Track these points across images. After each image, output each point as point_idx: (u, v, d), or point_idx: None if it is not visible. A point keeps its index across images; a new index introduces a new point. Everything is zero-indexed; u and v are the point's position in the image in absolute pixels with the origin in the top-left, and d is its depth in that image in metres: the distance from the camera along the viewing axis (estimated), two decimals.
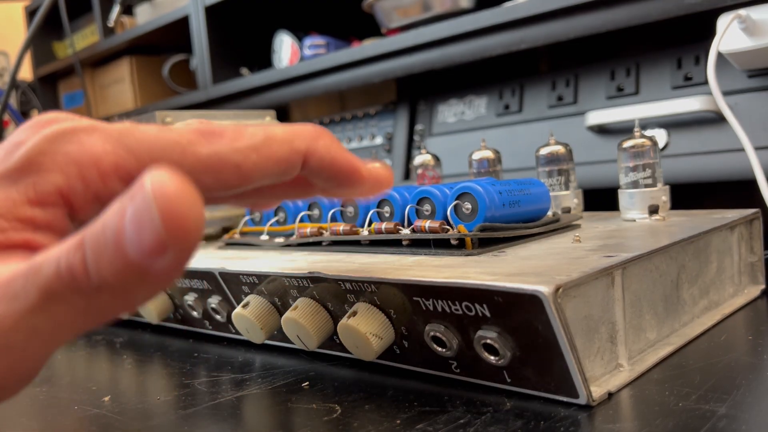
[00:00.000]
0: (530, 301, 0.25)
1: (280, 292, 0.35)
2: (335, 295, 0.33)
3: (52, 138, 0.21)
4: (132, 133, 0.22)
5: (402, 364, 0.32)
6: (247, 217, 0.48)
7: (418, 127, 0.82)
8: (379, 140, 0.86)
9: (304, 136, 0.25)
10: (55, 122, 0.22)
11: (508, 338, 0.26)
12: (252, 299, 0.36)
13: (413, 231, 0.37)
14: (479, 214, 0.36)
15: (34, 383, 0.35)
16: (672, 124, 0.59)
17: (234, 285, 0.38)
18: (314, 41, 0.88)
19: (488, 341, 0.27)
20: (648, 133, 0.48)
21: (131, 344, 0.43)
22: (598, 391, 0.26)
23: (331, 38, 0.88)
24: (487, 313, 0.27)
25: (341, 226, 0.40)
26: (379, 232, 0.38)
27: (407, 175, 0.81)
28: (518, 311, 0.26)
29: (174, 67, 1.12)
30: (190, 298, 0.42)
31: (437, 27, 0.69)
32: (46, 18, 0.93)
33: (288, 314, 0.33)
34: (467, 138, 0.75)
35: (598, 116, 0.62)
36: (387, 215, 0.40)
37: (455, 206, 0.37)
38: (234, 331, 0.40)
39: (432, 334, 0.29)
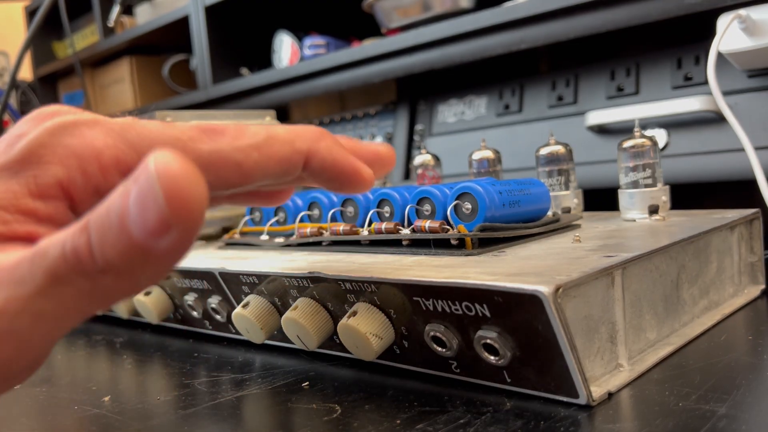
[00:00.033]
0: (530, 301, 0.25)
1: (280, 292, 0.35)
2: (335, 295, 0.33)
3: (54, 130, 0.21)
4: (133, 127, 0.22)
5: (402, 364, 0.32)
6: (247, 217, 0.48)
7: (418, 127, 0.82)
8: (379, 140, 0.86)
9: (306, 136, 0.25)
10: (57, 115, 0.22)
11: (508, 338, 0.26)
12: (252, 299, 0.36)
13: (413, 231, 0.37)
14: (479, 214, 0.36)
15: (34, 383, 0.35)
16: (672, 124, 0.59)
17: (234, 285, 0.38)
18: (314, 41, 0.88)
19: (488, 341, 0.27)
20: (648, 133, 0.48)
21: (131, 344, 0.43)
22: (598, 391, 0.26)
23: (331, 38, 0.88)
24: (487, 313, 0.27)
25: (341, 226, 0.40)
26: (379, 232, 0.38)
27: (407, 175, 0.81)
28: (518, 311, 0.26)
29: (174, 67, 1.12)
30: (190, 298, 0.42)
31: (437, 27, 0.69)
32: (46, 18, 0.93)
33: (288, 314, 0.33)
34: (467, 138, 0.75)
35: (598, 116, 0.62)
36: (387, 215, 0.40)
37: (455, 206, 0.37)
38: (234, 331, 0.40)
39: (432, 334, 0.29)
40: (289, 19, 1.00)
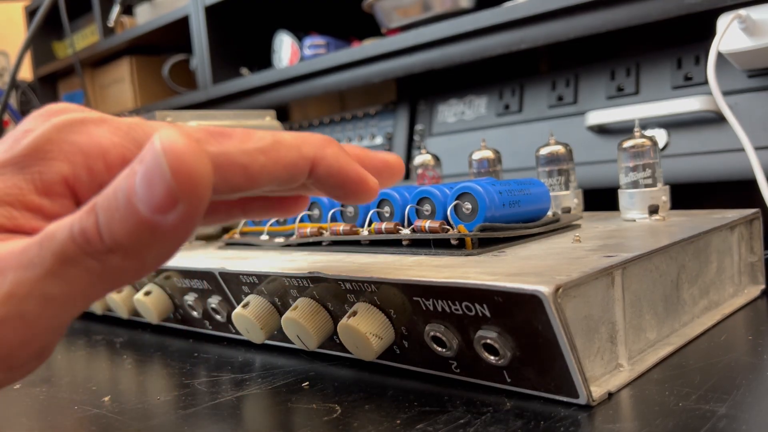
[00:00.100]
0: (530, 301, 0.25)
1: (280, 292, 0.35)
2: (335, 295, 0.33)
3: (61, 127, 0.21)
4: (141, 127, 0.22)
5: (402, 364, 0.32)
6: None
7: (418, 127, 0.82)
8: (379, 140, 0.86)
9: (312, 142, 0.25)
10: (64, 112, 0.22)
11: (508, 338, 0.26)
12: (252, 299, 0.36)
13: (413, 231, 0.37)
14: (479, 214, 0.36)
15: (35, 383, 0.35)
16: (672, 124, 0.59)
17: (234, 285, 0.38)
18: (314, 41, 0.88)
19: (488, 341, 0.27)
20: (648, 133, 0.49)
21: (131, 344, 0.43)
22: (598, 391, 0.26)
23: (331, 38, 0.88)
24: (487, 313, 0.27)
25: (341, 226, 0.40)
26: (379, 232, 0.38)
27: (407, 175, 0.81)
28: (518, 311, 0.26)
29: (174, 67, 1.12)
30: (190, 298, 0.42)
31: (437, 27, 0.69)
32: (46, 18, 0.93)
33: (288, 314, 0.33)
34: (467, 138, 0.75)
35: (598, 116, 0.62)
36: (387, 215, 0.40)
37: (455, 206, 0.37)
38: (234, 331, 0.40)
39: (432, 334, 0.29)
40: (289, 19, 1.00)
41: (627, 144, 0.43)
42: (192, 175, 0.16)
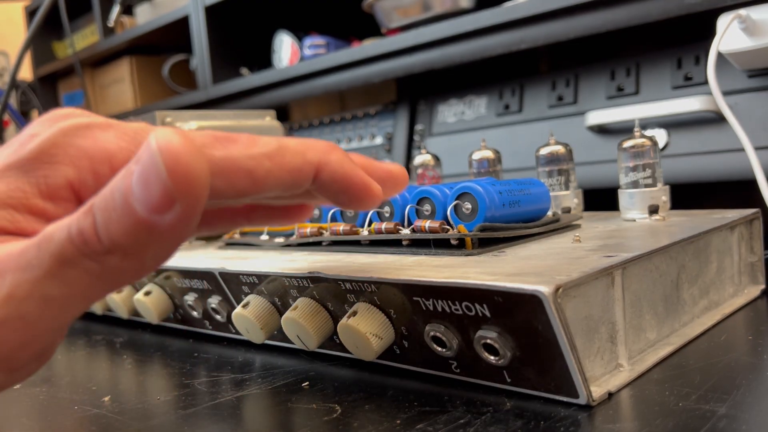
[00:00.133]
0: (530, 301, 0.25)
1: (280, 292, 0.35)
2: (335, 295, 0.33)
3: (67, 131, 0.21)
4: (147, 131, 0.22)
5: (402, 364, 0.32)
6: None
7: (418, 127, 0.82)
8: (379, 140, 0.86)
9: (317, 148, 0.25)
10: (71, 116, 0.22)
11: (508, 338, 0.26)
12: (252, 299, 0.36)
13: (413, 231, 0.37)
14: (479, 214, 0.36)
15: (35, 383, 0.35)
16: (672, 124, 0.59)
17: (234, 285, 0.38)
18: (314, 41, 0.88)
19: (488, 341, 0.27)
20: (648, 133, 0.48)
21: (131, 344, 0.43)
22: (598, 391, 0.26)
23: (331, 38, 0.88)
24: (487, 313, 0.27)
25: (341, 226, 0.40)
26: (379, 232, 0.38)
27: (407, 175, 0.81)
28: (518, 311, 0.26)
29: (174, 67, 1.12)
30: (190, 298, 0.42)
31: (437, 27, 0.69)
32: (46, 18, 0.93)
33: (288, 314, 0.33)
34: (467, 138, 0.75)
35: (598, 116, 0.62)
36: (387, 215, 0.40)
37: (455, 206, 0.37)
38: (234, 331, 0.40)
39: (432, 334, 0.29)
40: (289, 19, 1.00)
41: (627, 144, 0.43)
42: (188, 174, 0.16)
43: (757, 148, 0.47)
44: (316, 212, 0.44)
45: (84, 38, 1.28)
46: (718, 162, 0.55)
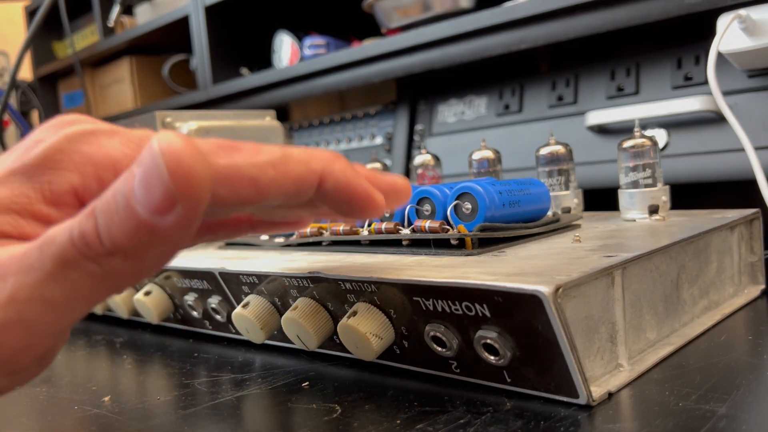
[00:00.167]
0: (530, 301, 0.25)
1: (280, 292, 0.35)
2: (335, 295, 0.33)
3: (73, 137, 0.22)
4: (151, 138, 0.22)
5: (402, 364, 0.32)
6: None
7: (418, 127, 0.82)
8: (379, 140, 0.86)
9: (321, 158, 0.25)
10: (76, 123, 0.23)
11: (508, 338, 0.26)
12: (252, 299, 0.36)
13: (413, 231, 0.37)
14: (479, 214, 0.36)
15: (35, 383, 0.35)
16: (672, 124, 0.59)
17: (234, 285, 0.38)
18: (314, 41, 0.88)
19: (488, 341, 0.27)
20: (648, 133, 0.49)
21: (131, 344, 0.43)
22: (598, 391, 0.26)
23: (331, 38, 0.88)
24: (487, 313, 0.27)
25: (341, 226, 0.40)
26: (379, 232, 0.38)
27: (407, 175, 0.81)
28: (518, 311, 0.26)
29: (174, 67, 1.12)
30: (190, 298, 0.42)
31: (437, 27, 0.69)
32: (46, 18, 0.93)
33: (288, 314, 0.33)
34: (467, 138, 0.75)
35: (598, 116, 0.62)
36: (387, 215, 0.40)
37: (455, 206, 0.37)
38: (234, 331, 0.40)
39: (432, 334, 0.29)
40: (289, 19, 1.00)
41: (627, 144, 0.43)
42: (190, 175, 0.17)
43: (757, 148, 0.47)
44: None
45: (84, 38, 1.28)
46: (718, 162, 0.55)
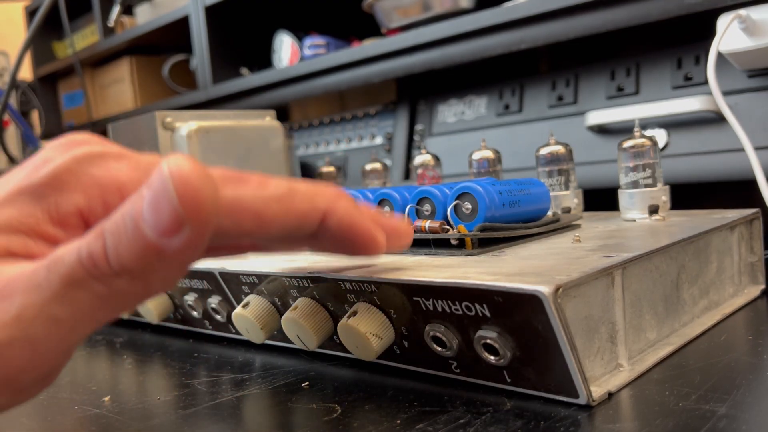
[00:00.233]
0: (530, 301, 0.25)
1: (280, 292, 0.35)
2: (335, 295, 0.33)
3: (81, 159, 0.22)
4: (159, 164, 0.23)
5: (402, 364, 0.32)
6: None
7: (418, 127, 0.82)
8: (379, 140, 0.86)
9: (326, 195, 0.25)
10: (85, 143, 0.23)
11: (508, 338, 0.26)
12: (252, 299, 0.36)
13: (413, 231, 0.37)
14: (479, 214, 0.36)
15: None
16: (672, 124, 0.59)
17: (234, 285, 0.38)
18: (314, 41, 0.88)
19: (488, 341, 0.27)
20: (648, 133, 0.49)
21: (131, 344, 0.43)
22: (598, 391, 0.26)
23: (331, 38, 0.88)
24: (487, 313, 0.27)
25: None
26: None
27: (407, 175, 0.81)
28: (518, 311, 0.26)
29: (174, 67, 1.12)
30: (190, 298, 0.42)
31: (437, 27, 0.69)
32: (46, 18, 0.93)
33: (288, 314, 0.33)
34: (467, 138, 0.75)
35: (598, 116, 0.62)
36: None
37: (455, 206, 0.37)
38: (234, 331, 0.40)
39: (432, 334, 0.29)
40: (289, 19, 1.00)
41: (627, 144, 0.43)
42: (198, 198, 0.17)
43: (757, 148, 0.47)
44: None
45: (84, 38, 1.28)
46: (718, 162, 0.55)
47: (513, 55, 0.67)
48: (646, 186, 0.43)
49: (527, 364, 0.26)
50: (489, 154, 0.51)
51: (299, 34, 0.92)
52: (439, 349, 0.29)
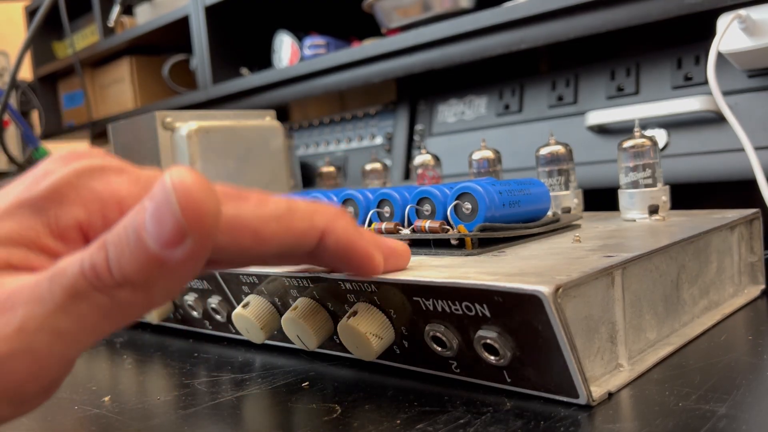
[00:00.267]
0: (530, 301, 0.25)
1: (280, 292, 0.35)
2: (335, 295, 0.33)
3: (82, 172, 0.22)
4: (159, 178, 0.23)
5: (402, 364, 0.32)
6: None
7: (418, 127, 0.82)
8: (379, 140, 0.86)
9: (325, 214, 0.25)
10: (86, 157, 0.23)
11: (508, 338, 0.26)
12: (252, 299, 0.36)
13: (413, 231, 0.37)
14: (479, 214, 0.36)
15: None
16: (672, 124, 0.59)
17: (234, 285, 0.38)
18: (314, 41, 0.88)
19: (488, 341, 0.27)
20: (648, 133, 0.48)
21: (131, 344, 0.43)
22: (598, 391, 0.26)
23: (331, 38, 0.88)
24: (487, 313, 0.27)
25: None
26: (379, 232, 0.38)
27: (407, 175, 0.81)
28: (518, 311, 0.26)
29: (174, 67, 1.12)
30: (190, 298, 0.42)
31: (437, 27, 0.69)
32: (46, 18, 0.93)
33: (288, 314, 0.33)
34: (467, 138, 0.75)
35: (598, 116, 0.62)
36: (387, 215, 0.40)
37: (455, 206, 0.37)
38: (234, 331, 0.40)
39: (432, 334, 0.29)
40: (289, 19, 1.00)
41: (627, 144, 0.43)
42: (200, 210, 0.17)
43: (757, 148, 0.47)
44: None
45: (84, 38, 1.28)
46: (718, 162, 0.55)
47: (513, 55, 0.67)
48: (646, 186, 0.43)
49: (527, 364, 0.26)
50: (489, 154, 0.51)
51: (299, 34, 0.92)
52: (439, 349, 0.29)
